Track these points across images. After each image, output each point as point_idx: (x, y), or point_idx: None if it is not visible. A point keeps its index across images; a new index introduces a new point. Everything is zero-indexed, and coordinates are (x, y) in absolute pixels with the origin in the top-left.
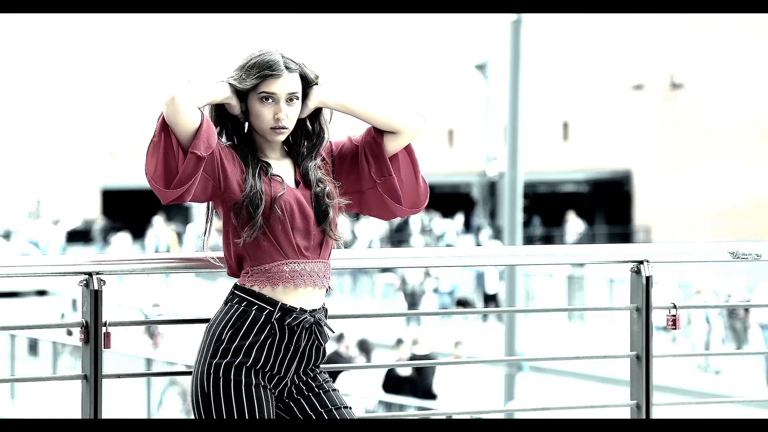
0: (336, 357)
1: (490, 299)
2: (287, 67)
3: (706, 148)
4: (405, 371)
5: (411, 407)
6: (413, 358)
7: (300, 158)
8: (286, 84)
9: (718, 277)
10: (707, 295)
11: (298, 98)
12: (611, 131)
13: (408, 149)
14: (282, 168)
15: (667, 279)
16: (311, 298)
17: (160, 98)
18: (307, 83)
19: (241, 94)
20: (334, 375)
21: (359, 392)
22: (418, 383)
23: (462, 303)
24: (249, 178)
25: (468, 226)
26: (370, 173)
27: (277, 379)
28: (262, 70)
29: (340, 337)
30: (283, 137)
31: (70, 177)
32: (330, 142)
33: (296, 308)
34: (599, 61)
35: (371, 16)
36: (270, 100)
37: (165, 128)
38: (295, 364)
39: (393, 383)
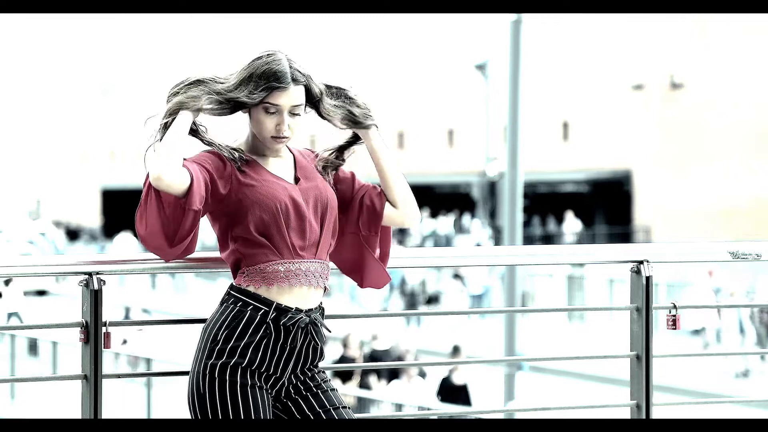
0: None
1: None
2: (294, 79)
3: (706, 148)
4: (460, 380)
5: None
6: (372, 353)
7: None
8: (292, 97)
9: (746, 279)
10: (739, 298)
11: (302, 110)
12: (611, 131)
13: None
14: (281, 165)
15: (699, 282)
16: (307, 297)
17: (149, 174)
18: (311, 96)
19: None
20: (393, 374)
21: (413, 402)
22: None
23: (432, 299)
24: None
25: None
26: (359, 221)
27: (274, 379)
28: (269, 81)
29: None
30: (282, 146)
31: (70, 177)
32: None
33: (291, 308)
34: (599, 61)
35: (371, 16)
36: (273, 111)
37: (154, 191)
38: (291, 364)
39: (448, 392)
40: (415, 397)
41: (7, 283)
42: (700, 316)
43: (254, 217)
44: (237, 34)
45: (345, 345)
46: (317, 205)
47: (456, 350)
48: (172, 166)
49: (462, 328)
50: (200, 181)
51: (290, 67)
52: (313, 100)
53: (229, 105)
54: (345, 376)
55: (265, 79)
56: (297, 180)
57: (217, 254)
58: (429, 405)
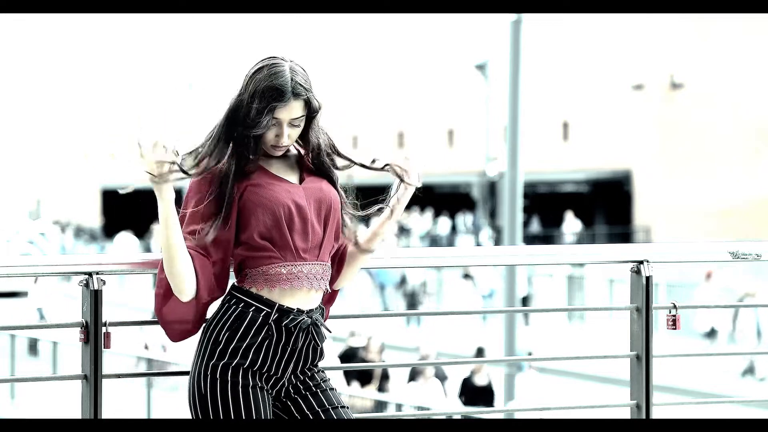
0: (417, 370)
1: (521, 301)
2: (296, 93)
3: (706, 148)
4: (482, 381)
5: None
6: (349, 351)
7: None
8: (292, 111)
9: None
10: (759, 299)
11: (301, 121)
12: (611, 131)
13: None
14: (285, 165)
15: (713, 285)
16: (308, 299)
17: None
18: (310, 109)
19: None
20: (416, 372)
21: (432, 405)
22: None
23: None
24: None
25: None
26: None
27: (274, 379)
28: (270, 102)
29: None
30: (281, 153)
31: (70, 177)
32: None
33: (293, 309)
34: (599, 61)
35: (371, 16)
36: (274, 123)
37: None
38: (292, 364)
39: (470, 394)
40: (432, 399)
41: (35, 280)
42: (712, 318)
43: (257, 221)
44: (235, 35)
45: (366, 349)
46: (320, 206)
47: (480, 352)
48: (186, 290)
49: (463, 329)
50: (207, 274)
51: (292, 80)
52: (311, 114)
53: (260, 140)
54: (364, 380)
55: (266, 101)
56: (302, 180)
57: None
58: (429, 405)
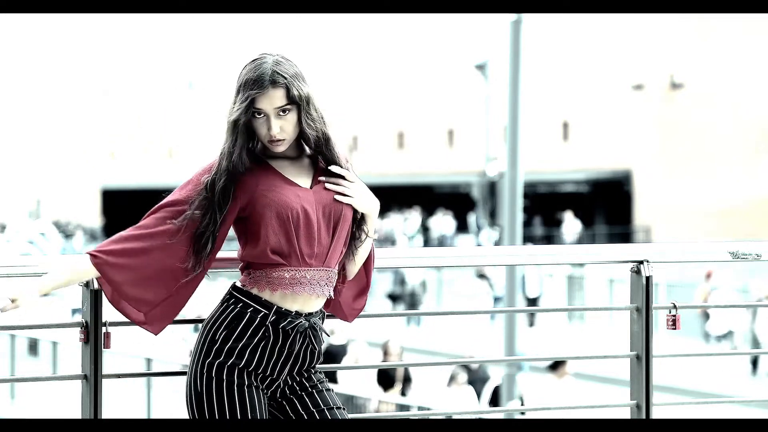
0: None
1: (531, 302)
2: (273, 81)
3: (706, 148)
4: None
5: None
6: (328, 348)
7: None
8: (272, 99)
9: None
10: None
11: (290, 110)
12: (611, 131)
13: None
14: (298, 168)
15: (728, 286)
16: (309, 303)
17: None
18: (293, 98)
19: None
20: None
21: (460, 409)
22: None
23: (393, 298)
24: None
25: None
26: None
27: (270, 380)
28: (250, 89)
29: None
30: (282, 148)
31: (70, 177)
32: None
33: (292, 312)
34: (599, 61)
35: (371, 16)
36: (261, 115)
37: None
38: (288, 366)
39: (500, 401)
40: (464, 405)
41: None
42: (729, 320)
43: (265, 224)
44: (235, 35)
45: (385, 352)
46: (330, 213)
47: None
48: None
49: (469, 329)
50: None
51: (271, 69)
52: (294, 102)
53: (237, 129)
54: (387, 384)
55: (248, 89)
56: (315, 183)
57: (217, 254)
58: (430, 405)
